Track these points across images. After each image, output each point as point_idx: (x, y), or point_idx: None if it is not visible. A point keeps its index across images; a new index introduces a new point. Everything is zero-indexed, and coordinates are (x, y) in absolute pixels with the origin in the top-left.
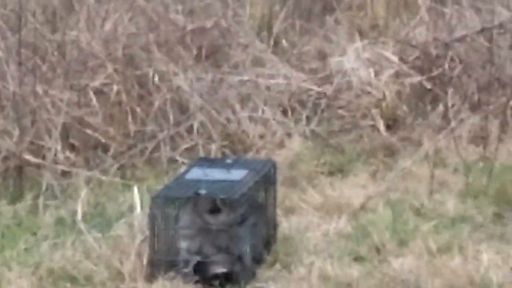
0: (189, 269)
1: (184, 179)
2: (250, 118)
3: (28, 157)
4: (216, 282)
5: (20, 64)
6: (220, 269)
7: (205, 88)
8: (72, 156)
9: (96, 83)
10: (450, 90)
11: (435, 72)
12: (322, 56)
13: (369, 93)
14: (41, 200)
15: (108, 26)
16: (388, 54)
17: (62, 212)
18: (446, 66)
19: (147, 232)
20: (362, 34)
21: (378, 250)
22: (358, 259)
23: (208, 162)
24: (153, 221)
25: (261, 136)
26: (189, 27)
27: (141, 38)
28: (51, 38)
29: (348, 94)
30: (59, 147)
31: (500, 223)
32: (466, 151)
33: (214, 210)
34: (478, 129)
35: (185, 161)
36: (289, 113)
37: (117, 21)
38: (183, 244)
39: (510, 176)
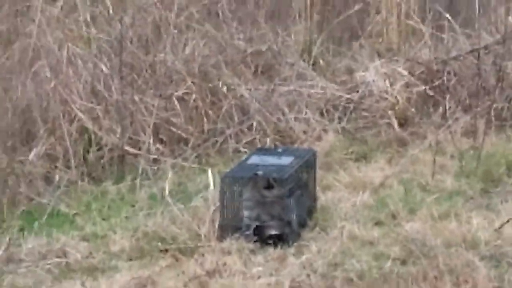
0: (249, 232)
1: (246, 164)
2: (296, 118)
3: (128, 148)
4: (271, 242)
5: (121, 78)
6: (274, 232)
7: (261, 96)
8: (161, 147)
9: (179, 93)
10: (447, 96)
11: (436, 83)
12: (350, 72)
13: (386, 99)
14: (138, 181)
15: (187, 49)
16: (400, 69)
17: (154, 190)
18: (444, 78)
19: (218, 204)
20: (380, 55)
21: (393, 217)
22: (378, 223)
23: (264, 151)
24: (222, 196)
25: (304, 132)
26: (249, 50)
27: (213, 58)
28: (145, 59)
29: (370, 100)
30: (151, 141)
31: (487, 196)
32: (460, 142)
33: (269, 186)
34: (469, 125)
35: (247, 151)
36: (325, 114)
37: (195, 46)
38: (245, 213)
39: (493, 161)
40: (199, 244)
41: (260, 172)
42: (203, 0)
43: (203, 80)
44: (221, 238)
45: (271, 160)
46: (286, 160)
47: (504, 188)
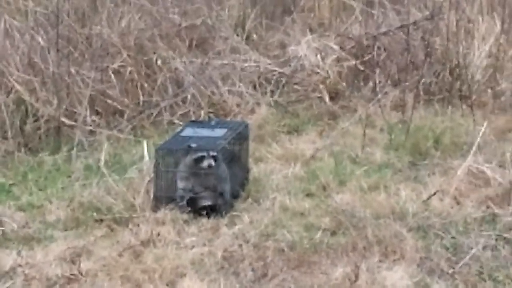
0: (183, 203)
1: (180, 136)
2: (229, 91)
3: (64, 120)
4: (204, 212)
5: (57, 51)
6: (207, 202)
7: (195, 69)
8: (97, 119)
9: (115, 65)
10: (377, 71)
11: (366, 58)
12: (283, 46)
13: (317, 73)
14: (74, 152)
15: (123, 23)
16: (331, 44)
17: (89, 160)
18: (374, 53)
19: (153, 175)
20: (312, 30)
21: (324, 188)
22: (309, 195)
23: (198, 123)
24: (157, 167)
25: (237, 105)
26: (184, 24)
27: (148, 32)
28: (81, 32)
29: (302, 74)
30: (87, 113)
31: (415, 169)
32: (389, 116)
33: (202, 158)
34: (398, 99)
35: (181, 123)
36: (258, 88)
37: (130, 19)
38: (179, 184)
39: (421, 134)
40: (133, 215)
41: (194, 144)
42: None
43: (139, 53)
44: (155, 208)
45: (204, 132)
46: (220, 132)
47: (432, 161)
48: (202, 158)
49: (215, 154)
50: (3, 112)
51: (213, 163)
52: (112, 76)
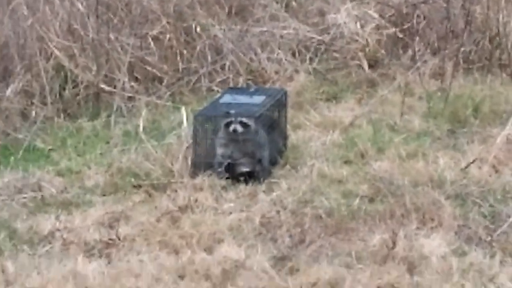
0: (221, 169)
1: (218, 102)
2: (268, 59)
3: (103, 86)
4: (242, 179)
5: (97, 17)
6: (245, 169)
7: (234, 37)
8: (135, 85)
9: (154, 32)
10: (417, 39)
11: (405, 26)
12: (322, 14)
13: (356, 41)
14: (112, 118)
15: None
16: (370, 12)
17: (128, 127)
18: (414, 21)
19: (191, 142)
20: None
21: (362, 156)
22: (347, 162)
23: (236, 90)
24: (195, 134)
25: (276, 72)
26: None
27: None
28: None
29: (341, 42)
30: (126, 79)
31: (453, 137)
32: (428, 84)
33: (230, 123)
34: (437, 68)
35: (219, 90)
36: (297, 55)
37: None
38: (218, 151)
39: (460, 102)
40: (171, 180)
41: (232, 111)
42: None
43: (178, 20)
44: (193, 174)
45: (243, 99)
46: (258, 99)
47: (470, 129)
48: (230, 123)
49: (253, 120)
50: (43, 78)
51: (239, 129)
52: (151, 43)
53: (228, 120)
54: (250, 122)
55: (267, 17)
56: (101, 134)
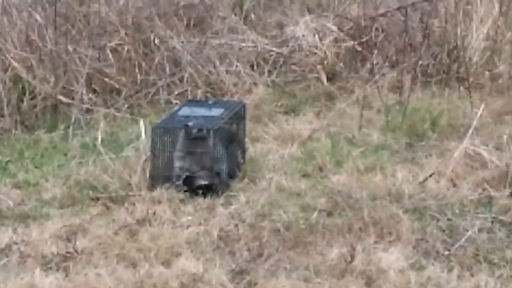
0: (180, 182)
1: (177, 115)
2: (227, 71)
3: (61, 97)
4: (200, 192)
5: (55, 29)
6: (203, 182)
7: (193, 49)
8: (93, 97)
9: (112, 44)
10: (375, 52)
11: (364, 39)
12: (281, 26)
13: (315, 53)
14: (70, 130)
15: (121, 1)
16: (329, 25)
17: (86, 139)
18: (372, 34)
19: (149, 154)
20: (310, 11)
21: (320, 169)
22: (305, 175)
23: (195, 103)
24: (153, 146)
25: (235, 84)
26: (182, 3)
27: (146, 10)
28: (79, 10)
29: (299, 54)
30: (84, 91)
31: (411, 150)
32: (386, 97)
33: (199, 137)
34: (395, 81)
35: (178, 102)
36: (256, 68)
37: None
38: (176, 163)
39: (418, 116)
40: (130, 193)
41: (190, 124)
42: None
43: (136, 31)
44: (151, 187)
45: (201, 111)
46: (217, 111)
47: (428, 142)
48: (198, 138)
49: (212, 133)
50: (0, 89)
51: (210, 143)
52: (110, 54)
53: (187, 130)
54: (208, 135)
55: (226, 29)
56: (59, 146)
